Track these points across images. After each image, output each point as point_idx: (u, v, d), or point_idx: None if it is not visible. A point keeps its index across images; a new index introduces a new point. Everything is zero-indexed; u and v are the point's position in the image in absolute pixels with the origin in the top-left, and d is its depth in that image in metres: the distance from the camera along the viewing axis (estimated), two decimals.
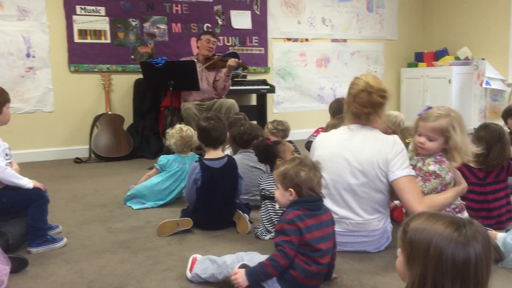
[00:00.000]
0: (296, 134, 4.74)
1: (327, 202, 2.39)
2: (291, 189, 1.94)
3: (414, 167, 2.43)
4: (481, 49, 6.91)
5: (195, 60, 4.97)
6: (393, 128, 3.40)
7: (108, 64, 5.66)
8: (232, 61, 5.17)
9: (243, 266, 1.96)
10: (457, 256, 1.10)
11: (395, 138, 2.43)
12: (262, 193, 2.79)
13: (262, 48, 6.66)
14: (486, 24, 6.86)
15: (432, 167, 2.37)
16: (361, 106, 2.35)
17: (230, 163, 2.92)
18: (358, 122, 2.43)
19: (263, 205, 2.78)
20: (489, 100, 6.79)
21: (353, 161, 2.34)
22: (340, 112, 3.30)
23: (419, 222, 1.18)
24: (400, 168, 2.32)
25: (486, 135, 2.78)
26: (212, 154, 2.90)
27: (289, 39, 6.86)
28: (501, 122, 3.92)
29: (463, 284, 1.11)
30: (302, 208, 1.91)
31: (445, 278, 1.11)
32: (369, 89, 2.33)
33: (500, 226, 2.73)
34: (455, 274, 1.10)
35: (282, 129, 3.99)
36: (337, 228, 2.36)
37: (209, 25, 6.21)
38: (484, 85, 6.68)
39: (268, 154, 2.88)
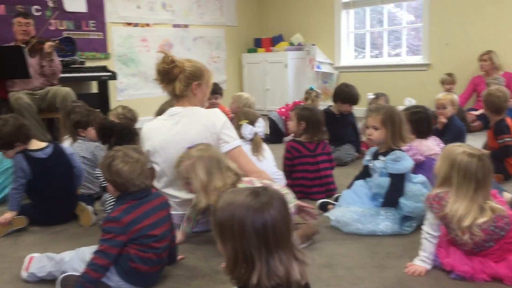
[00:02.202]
0: (142, 122, 4.63)
1: (169, 190, 2.41)
2: (108, 184, 1.92)
3: None
4: (311, 35, 7.51)
5: (23, 45, 4.51)
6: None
7: None
8: (47, 47, 4.60)
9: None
10: (256, 222, 1.19)
11: (215, 110, 2.54)
12: (102, 184, 2.71)
13: (101, 33, 6.35)
14: (314, 12, 7.46)
15: None
16: (158, 80, 2.46)
17: (57, 150, 2.78)
18: (178, 104, 2.49)
19: (104, 197, 2.71)
20: (321, 83, 7.44)
21: (184, 143, 2.37)
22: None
23: (222, 202, 1.25)
24: (232, 138, 2.45)
25: (306, 114, 3.14)
26: (34, 144, 2.73)
27: (129, 24, 6.65)
28: (331, 103, 4.35)
29: (266, 247, 1.19)
30: (129, 200, 1.89)
31: (251, 246, 1.19)
32: (158, 61, 2.46)
33: (330, 194, 3.04)
34: (258, 240, 1.18)
35: (130, 117, 3.87)
36: (181, 211, 2.41)
37: (39, 7, 5.71)
38: (315, 69, 7.29)
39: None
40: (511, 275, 1.83)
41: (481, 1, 5.78)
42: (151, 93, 6.85)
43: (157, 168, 2.44)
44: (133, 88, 6.74)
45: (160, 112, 3.03)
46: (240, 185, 2.10)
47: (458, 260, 1.92)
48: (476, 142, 3.81)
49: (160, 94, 6.82)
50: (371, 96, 4.54)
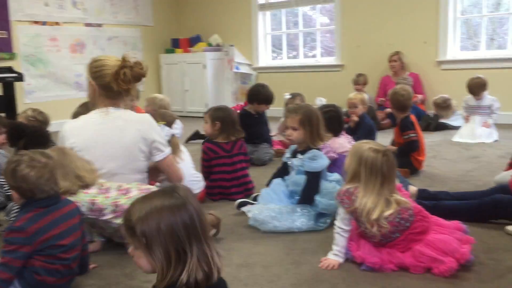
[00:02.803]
0: (54, 125, 4.38)
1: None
2: (13, 191, 1.79)
3: None
4: (229, 36, 7.53)
5: None
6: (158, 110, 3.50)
7: None
8: None
9: None
10: (183, 217, 1.21)
11: (148, 116, 2.51)
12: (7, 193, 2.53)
13: (5, 32, 5.96)
14: (232, 13, 7.50)
15: None
16: (125, 83, 2.31)
17: None
18: (114, 103, 2.39)
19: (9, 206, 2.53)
20: (239, 83, 7.49)
21: (113, 145, 2.30)
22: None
23: (138, 212, 1.22)
24: (164, 146, 2.45)
25: (220, 114, 3.15)
26: None
27: (36, 22, 6.28)
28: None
29: (196, 238, 1.22)
30: (35, 207, 1.77)
31: (184, 242, 1.20)
32: (129, 64, 2.30)
33: (248, 193, 3.06)
34: (187, 234, 1.20)
35: (42, 120, 3.64)
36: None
37: None
38: (234, 70, 7.33)
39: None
40: (416, 264, 1.94)
41: (389, 5, 6.12)
42: (62, 95, 6.53)
43: None
44: (42, 90, 6.38)
45: (76, 114, 2.88)
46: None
47: (368, 252, 2.00)
48: (386, 139, 4.02)
49: (72, 96, 6.63)
50: (287, 96, 4.63)
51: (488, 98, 4.68)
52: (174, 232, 1.19)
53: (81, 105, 3.06)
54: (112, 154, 2.32)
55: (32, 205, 1.77)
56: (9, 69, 5.64)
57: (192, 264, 1.19)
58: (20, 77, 5.59)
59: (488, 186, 2.78)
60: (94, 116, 2.39)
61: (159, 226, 1.19)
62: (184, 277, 1.18)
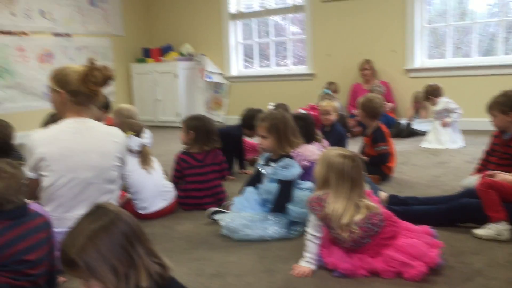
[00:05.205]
0: (22, 137, 4.27)
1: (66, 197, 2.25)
2: None
3: None
4: (201, 45, 7.53)
5: None
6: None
7: None
8: None
9: None
10: (121, 228, 1.25)
11: (118, 129, 2.48)
12: None
13: None
14: (203, 22, 7.49)
15: None
16: (96, 84, 2.27)
17: None
18: (81, 112, 2.35)
19: None
20: (212, 93, 7.48)
21: (89, 154, 2.26)
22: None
23: (73, 246, 1.22)
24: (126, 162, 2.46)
25: (194, 123, 3.14)
26: None
27: (3, 33, 6.15)
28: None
29: (136, 239, 1.26)
30: (2, 219, 1.72)
31: (127, 249, 1.24)
32: (97, 66, 2.28)
33: (220, 203, 3.04)
34: (129, 240, 1.24)
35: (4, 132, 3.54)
36: None
37: None
38: (206, 79, 7.32)
39: None
40: (387, 269, 1.97)
41: (358, 15, 6.22)
42: (30, 106, 6.39)
43: (48, 177, 2.25)
44: (10, 101, 6.23)
45: (47, 124, 2.82)
46: None
47: (340, 258, 2.02)
48: (357, 146, 4.06)
49: (39, 107, 6.47)
50: (271, 106, 4.63)
51: (441, 101, 4.79)
52: (115, 247, 1.21)
53: (53, 115, 2.99)
54: (88, 163, 2.27)
55: (0, 217, 1.72)
56: None
57: (143, 262, 1.23)
58: None
59: (456, 191, 2.84)
60: (68, 125, 2.34)
61: (100, 250, 1.19)
62: (143, 283, 1.21)
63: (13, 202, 1.74)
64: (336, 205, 1.98)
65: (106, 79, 2.32)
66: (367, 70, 6.07)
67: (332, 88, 5.99)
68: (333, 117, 3.99)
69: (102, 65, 2.33)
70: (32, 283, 1.75)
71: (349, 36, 6.31)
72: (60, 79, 2.30)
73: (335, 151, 2.05)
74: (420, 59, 6.06)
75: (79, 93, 2.29)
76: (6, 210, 1.73)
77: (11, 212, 1.74)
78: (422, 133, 5.29)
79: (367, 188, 2.16)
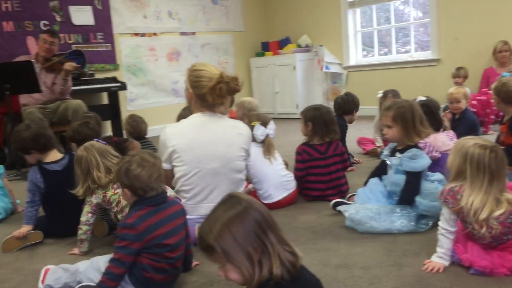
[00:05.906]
0: (154, 130, 4.65)
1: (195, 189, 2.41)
2: (125, 189, 1.88)
3: None
4: (318, 36, 7.48)
5: (32, 60, 4.57)
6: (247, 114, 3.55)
7: None
8: (67, 65, 4.80)
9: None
10: (253, 216, 1.31)
11: (242, 123, 2.59)
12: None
13: (109, 44, 6.41)
14: (320, 13, 7.44)
15: None
16: (220, 97, 2.39)
17: (73, 161, 2.77)
18: (209, 110, 2.48)
19: None
20: (330, 83, 7.40)
21: (216, 145, 2.39)
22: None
23: (210, 232, 1.30)
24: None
25: (311, 114, 3.10)
26: (51, 156, 2.74)
27: (136, 34, 6.70)
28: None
29: (269, 227, 1.32)
30: (145, 206, 1.85)
31: (261, 236, 1.30)
32: (226, 80, 2.37)
33: (343, 195, 3.01)
34: (261, 228, 1.30)
35: (135, 126, 3.90)
36: None
37: (47, 22, 5.78)
38: (324, 70, 7.26)
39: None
40: None
41: None
42: (161, 101, 6.91)
43: (180, 168, 2.43)
44: (143, 97, 6.78)
45: (180, 117, 3.07)
46: None
47: (477, 255, 1.88)
48: (490, 136, 3.75)
49: (169, 103, 6.95)
50: (380, 94, 4.48)
51: None
52: (250, 234, 1.27)
53: (185, 108, 3.21)
54: (214, 154, 2.40)
55: (143, 203, 1.86)
56: (114, 79, 6.08)
57: (276, 250, 1.28)
58: (123, 86, 5.99)
59: None
60: (196, 119, 2.49)
61: (235, 237, 1.26)
62: (277, 270, 1.25)
63: (155, 189, 1.87)
64: (472, 198, 1.84)
65: (232, 92, 2.41)
66: (506, 52, 5.54)
67: (461, 73, 5.58)
68: (463, 104, 3.72)
69: (231, 77, 2.39)
70: (171, 266, 1.88)
71: (479, 17, 5.81)
72: (192, 80, 2.45)
73: (473, 140, 1.89)
74: None
75: (205, 100, 2.42)
76: (149, 197, 1.86)
77: (153, 199, 1.87)
78: None
79: (507, 180, 1.98)
